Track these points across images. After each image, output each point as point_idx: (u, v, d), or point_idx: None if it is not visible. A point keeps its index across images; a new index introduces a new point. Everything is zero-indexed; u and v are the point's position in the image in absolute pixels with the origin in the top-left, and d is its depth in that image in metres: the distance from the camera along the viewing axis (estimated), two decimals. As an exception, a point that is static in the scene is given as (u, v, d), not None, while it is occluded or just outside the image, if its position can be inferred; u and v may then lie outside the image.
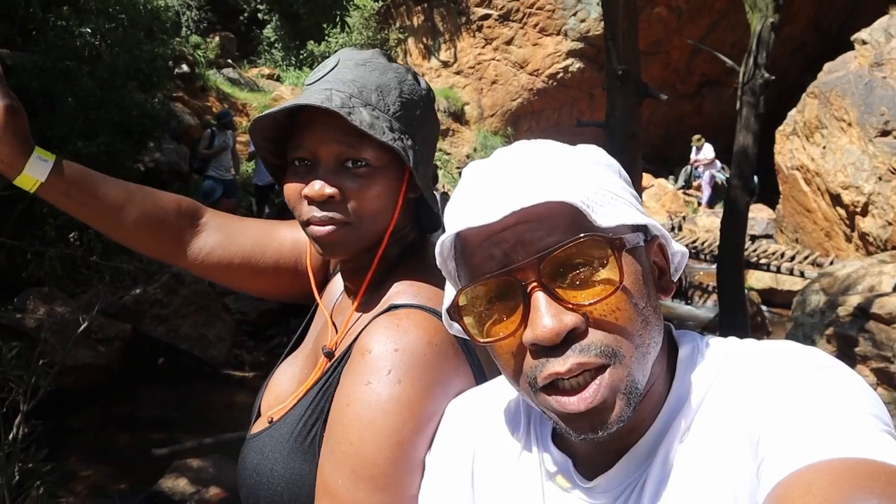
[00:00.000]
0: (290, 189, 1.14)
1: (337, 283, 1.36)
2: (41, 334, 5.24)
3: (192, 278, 7.52)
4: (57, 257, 6.23)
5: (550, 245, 0.72)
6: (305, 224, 1.13)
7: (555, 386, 0.73)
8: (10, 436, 4.11)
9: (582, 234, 0.72)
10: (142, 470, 5.42)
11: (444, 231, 0.82)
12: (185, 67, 13.15)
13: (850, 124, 10.11)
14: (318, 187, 1.09)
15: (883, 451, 0.61)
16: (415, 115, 1.17)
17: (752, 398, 0.73)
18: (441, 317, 1.06)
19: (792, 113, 11.61)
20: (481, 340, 0.78)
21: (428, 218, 1.26)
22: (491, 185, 0.77)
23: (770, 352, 0.78)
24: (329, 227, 1.11)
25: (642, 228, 0.80)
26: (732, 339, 0.84)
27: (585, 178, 0.78)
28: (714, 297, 10.22)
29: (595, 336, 0.72)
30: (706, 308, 11.01)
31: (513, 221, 0.73)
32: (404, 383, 1.00)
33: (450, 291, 0.87)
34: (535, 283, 0.72)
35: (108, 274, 5.82)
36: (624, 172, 0.86)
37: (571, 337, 0.72)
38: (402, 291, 1.13)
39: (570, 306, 0.72)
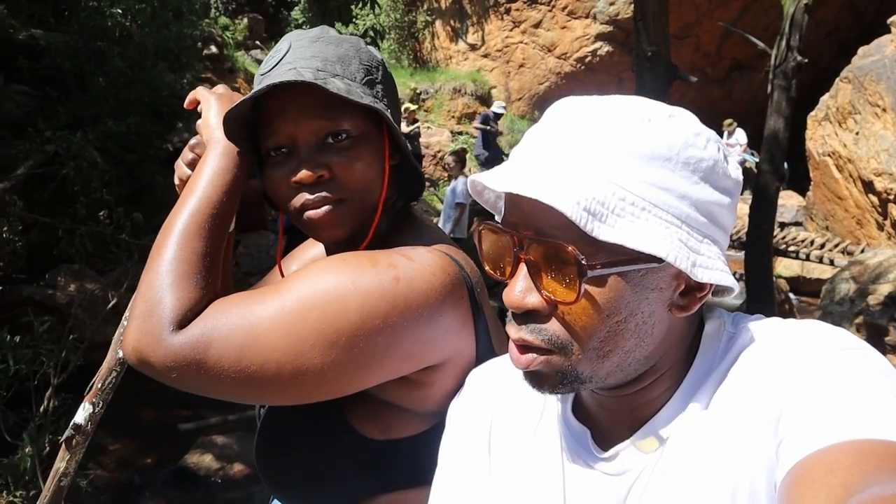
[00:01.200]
0: (274, 181, 1.10)
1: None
2: (71, 310, 5.33)
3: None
4: (87, 235, 6.31)
5: (544, 233, 0.73)
6: (300, 212, 1.09)
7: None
8: (41, 408, 4.21)
9: (559, 242, 0.72)
10: (168, 445, 5.52)
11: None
12: (213, 49, 13.20)
13: (884, 110, 9.88)
14: (305, 171, 1.06)
15: None
16: (379, 81, 1.16)
17: (775, 376, 0.73)
18: (458, 265, 1.09)
19: (824, 98, 11.38)
20: (488, 269, 0.83)
21: (409, 184, 1.23)
22: (532, 151, 0.78)
23: (795, 331, 0.77)
24: (325, 208, 1.08)
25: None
26: (758, 317, 0.83)
27: (623, 178, 0.71)
28: (742, 284, 10.12)
29: (552, 325, 0.75)
30: (734, 296, 10.89)
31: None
32: (401, 285, 1.00)
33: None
34: (523, 255, 0.76)
35: (137, 252, 5.89)
36: (718, 169, 0.76)
37: (533, 315, 0.76)
38: (408, 244, 1.12)
39: (542, 292, 0.75)
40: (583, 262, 0.70)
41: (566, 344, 0.75)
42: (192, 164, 1.19)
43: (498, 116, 13.36)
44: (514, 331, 0.77)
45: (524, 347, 0.77)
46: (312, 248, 1.44)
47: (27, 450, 3.94)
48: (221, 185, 1.09)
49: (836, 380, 0.68)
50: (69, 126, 6.88)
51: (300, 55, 1.10)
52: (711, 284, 0.77)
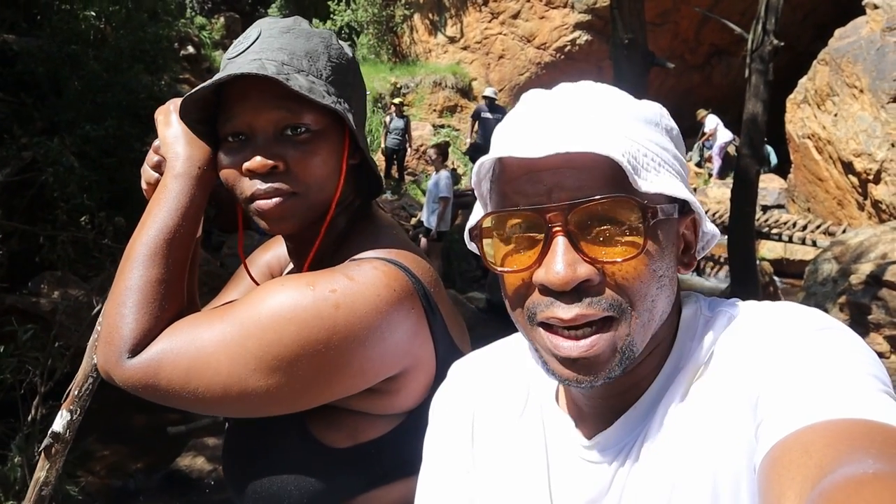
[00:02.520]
0: (228, 166, 1.10)
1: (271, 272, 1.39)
2: (56, 317, 5.29)
3: (203, 259, 7.57)
4: (69, 241, 6.26)
5: (585, 195, 0.71)
6: (249, 200, 1.09)
7: (553, 327, 0.74)
8: (29, 417, 4.17)
9: (618, 194, 0.71)
10: (159, 449, 5.50)
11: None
12: (190, 49, 13.11)
13: (861, 91, 9.97)
14: (259, 159, 1.06)
15: (880, 412, 0.61)
16: (346, 80, 1.15)
17: (752, 360, 0.74)
18: (407, 272, 1.07)
19: (803, 81, 11.46)
20: (496, 267, 0.79)
21: (368, 183, 1.23)
22: (546, 119, 0.76)
23: (770, 313, 0.78)
24: (276, 200, 1.08)
25: (679, 200, 0.78)
26: (734, 301, 0.84)
27: (639, 137, 0.75)
28: (726, 268, 10.19)
29: (607, 291, 0.72)
30: (718, 279, 10.98)
31: (557, 162, 0.72)
32: (342, 311, 1.01)
33: (477, 212, 0.86)
34: (559, 228, 0.72)
35: (121, 256, 5.85)
36: (681, 140, 0.83)
37: (582, 288, 0.72)
38: (359, 249, 1.13)
39: (588, 259, 0.72)
40: (648, 206, 0.71)
41: (625, 307, 0.72)
42: (158, 167, 1.19)
43: (493, 101, 13.23)
44: (563, 311, 0.72)
45: (577, 330, 0.73)
46: (266, 253, 1.45)
47: (16, 459, 3.91)
48: (178, 209, 1.11)
49: (811, 360, 0.69)
50: (46, 132, 6.82)
51: (268, 45, 1.09)
52: (697, 239, 0.83)
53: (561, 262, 0.71)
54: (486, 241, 0.79)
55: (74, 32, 7.76)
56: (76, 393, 1.34)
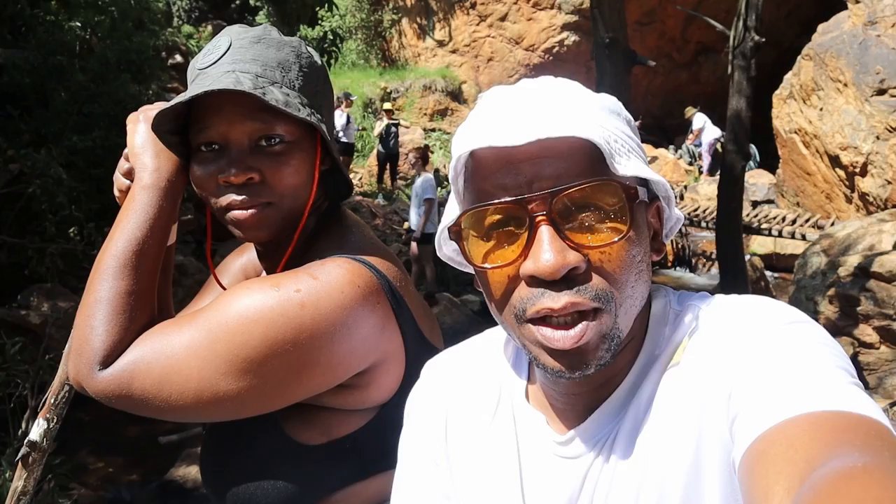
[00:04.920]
0: (202, 176, 1.11)
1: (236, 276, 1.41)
2: (46, 330, 5.28)
3: (195, 268, 7.56)
4: (58, 253, 6.26)
5: (566, 182, 0.71)
6: (225, 210, 1.11)
7: (543, 320, 0.73)
8: (20, 431, 4.16)
9: (601, 178, 0.71)
10: (153, 460, 5.48)
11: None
12: (178, 58, 13.07)
13: (846, 85, 10.02)
14: (235, 172, 1.07)
15: (857, 404, 0.62)
16: (317, 89, 1.17)
17: (723, 354, 0.74)
18: (371, 268, 1.08)
19: (788, 76, 11.51)
20: (477, 264, 0.77)
21: (336, 186, 1.25)
22: (517, 110, 0.75)
23: (739, 307, 0.79)
24: (252, 210, 1.09)
25: (645, 185, 0.79)
26: (703, 294, 0.85)
27: (607, 124, 0.76)
28: (717, 265, 10.23)
29: (594, 279, 0.72)
30: (709, 276, 11.01)
31: (534, 151, 0.71)
32: (307, 309, 1.02)
33: (453, 209, 0.84)
34: (543, 217, 0.71)
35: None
36: (635, 126, 0.84)
37: (570, 276, 0.71)
38: (326, 249, 1.14)
39: (574, 245, 0.71)
40: (630, 187, 0.72)
41: (610, 296, 0.72)
42: (129, 174, 1.20)
43: None
44: (552, 301, 0.71)
45: (565, 323, 0.72)
46: (240, 257, 1.46)
47: (7, 474, 3.91)
48: (146, 221, 1.11)
49: (784, 354, 0.69)
50: (32, 143, 6.79)
51: (240, 57, 1.10)
52: (662, 226, 0.84)
53: (549, 251, 0.70)
54: (465, 241, 0.78)
55: (60, 43, 7.74)
56: (52, 401, 1.34)
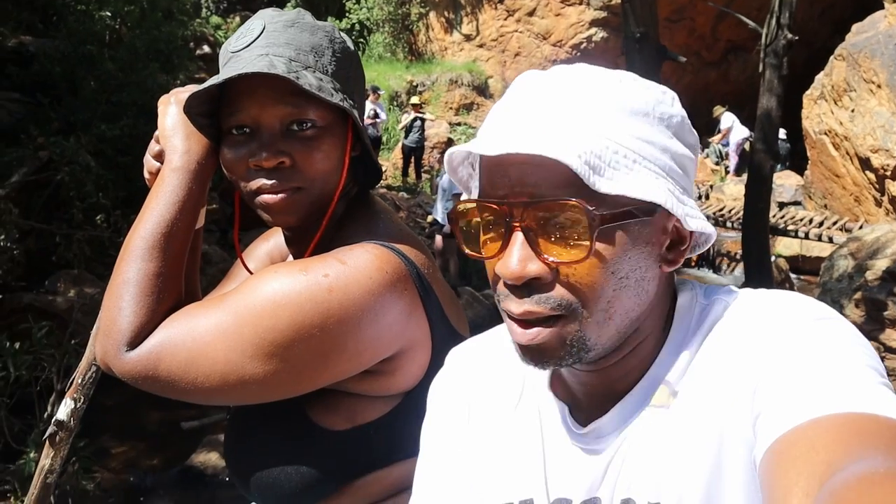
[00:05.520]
0: (233, 159, 1.11)
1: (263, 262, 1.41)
2: (72, 315, 5.35)
3: (218, 257, 7.62)
4: (85, 239, 6.33)
5: (542, 194, 0.71)
6: (255, 194, 1.10)
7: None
8: (45, 414, 4.23)
9: (565, 199, 0.71)
10: (174, 445, 5.54)
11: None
12: (206, 48, 13.17)
13: (879, 86, 9.85)
14: (266, 155, 1.07)
15: (883, 406, 0.60)
16: (349, 74, 1.16)
17: (749, 349, 0.73)
18: (399, 254, 1.08)
19: (819, 76, 11.34)
20: (467, 251, 0.80)
21: (366, 173, 1.25)
22: (517, 113, 0.76)
23: (766, 302, 0.77)
24: (281, 195, 1.09)
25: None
26: (730, 288, 0.83)
27: (615, 132, 0.73)
28: (742, 265, 10.12)
29: (558, 290, 0.73)
30: (733, 276, 10.90)
31: (522, 157, 0.71)
32: (335, 294, 1.02)
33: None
34: (517, 224, 0.72)
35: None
36: (684, 126, 0.79)
37: (535, 284, 0.73)
38: (354, 235, 1.14)
39: (541, 257, 0.72)
40: (594, 213, 0.70)
41: (575, 307, 0.73)
42: (159, 156, 1.20)
43: None
44: (515, 305, 0.74)
45: (528, 322, 0.75)
46: (266, 242, 1.46)
47: (32, 455, 3.97)
48: (175, 203, 1.11)
49: (811, 352, 0.68)
50: (62, 131, 6.87)
51: (274, 40, 1.09)
52: (692, 237, 0.80)
53: (514, 258, 0.72)
54: (461, 229, 0.81)
55: (90, 33, 7.82)
56: (80, 381, 1.36)
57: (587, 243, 0.71)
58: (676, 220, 0.78)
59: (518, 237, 0.72)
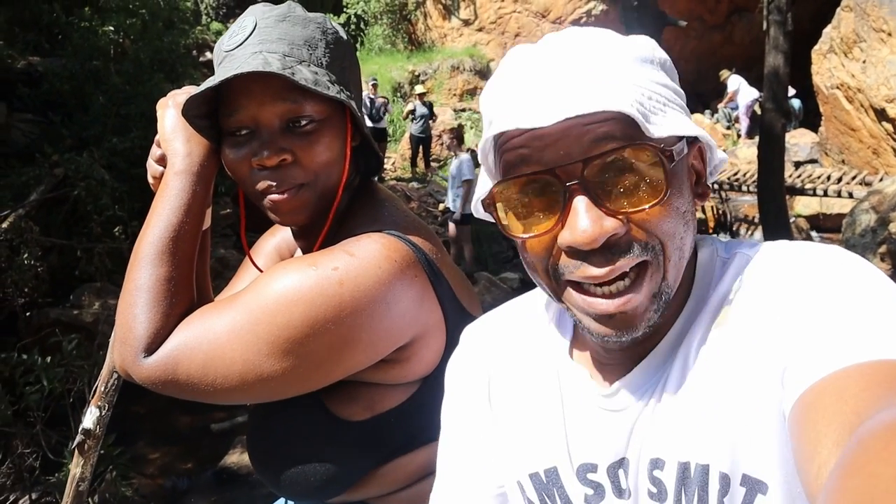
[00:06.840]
0: (235, 161, 1.10)
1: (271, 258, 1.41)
2: (98, 327, 5.42)
3: (236, 261, 7.68)
4: (105, 252, 6.41)
5: (598, 149, 0.70)
6: (262, 194, 1.10)
7: (583, 285, 0.73)
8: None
9: (634, 143, 0.70)
10: (206, 448, 5.61)
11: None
12: (208, 55, 13.23)
13: (889, 34, 9.67)
14: (268, 154, 1.06)
15: None
16: (343, 65, 1.16)
17: (774, 301, 0.72)
18: (407, 241, 1.08)
19: (827, 30, 11.15)
20: (514, 234, 0.77)
21: (367, 162, 1.25)
22: (543, 82, 0.73)
23: (789, 253, 0.76)
24: (288, 193, 1.09)
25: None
26: (751, 241, 0.82)
27: (640, 80, 0.73)
28: (760, 229, 10.03)
29: (637, 238, 0.71)
30: (750, 241, 10.80)
31: (558, 127, 0.70)
32: (346, 287, 1.02)
33: (486, 182, 0.83)
34: (577, 185, 0.70)
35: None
36: (674, 69, 0.81)
37: (610, 243, 0.70)
38: (360, 225, 1.14)
39: (611, 211, 0.70)
40: (665, 149, 0.70)
41: (658, 248, 0.72)
42: (162, 160, 1.21)
43: None
44: (595, 269, 0.71)
45: (611, 292, 0.72)
46: (273, 237, 1.47)
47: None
48: (180, 206, 1.12)
49: (838, 301, 0.67)
50: (75, 148, 6.96)
51: (266, 36, 1.09)
52: (710, 164, 0.82)
53: (586, 220, 0.69)
54: (500, 212, 0.77)
55: (95, 48, 7.90)
56: (102, 389, 1.38)
57: (661, 186, 0.70)
58: (696, 151, 0.80)
59: (581, 200, 0.70)
